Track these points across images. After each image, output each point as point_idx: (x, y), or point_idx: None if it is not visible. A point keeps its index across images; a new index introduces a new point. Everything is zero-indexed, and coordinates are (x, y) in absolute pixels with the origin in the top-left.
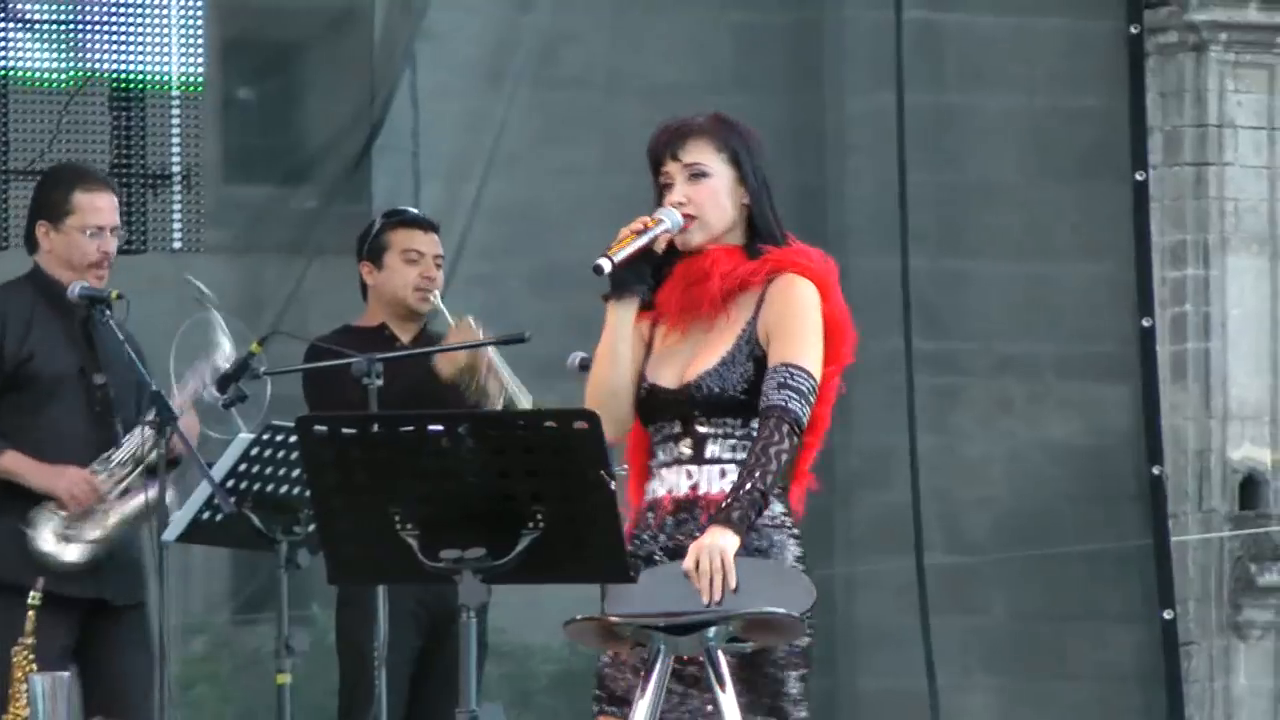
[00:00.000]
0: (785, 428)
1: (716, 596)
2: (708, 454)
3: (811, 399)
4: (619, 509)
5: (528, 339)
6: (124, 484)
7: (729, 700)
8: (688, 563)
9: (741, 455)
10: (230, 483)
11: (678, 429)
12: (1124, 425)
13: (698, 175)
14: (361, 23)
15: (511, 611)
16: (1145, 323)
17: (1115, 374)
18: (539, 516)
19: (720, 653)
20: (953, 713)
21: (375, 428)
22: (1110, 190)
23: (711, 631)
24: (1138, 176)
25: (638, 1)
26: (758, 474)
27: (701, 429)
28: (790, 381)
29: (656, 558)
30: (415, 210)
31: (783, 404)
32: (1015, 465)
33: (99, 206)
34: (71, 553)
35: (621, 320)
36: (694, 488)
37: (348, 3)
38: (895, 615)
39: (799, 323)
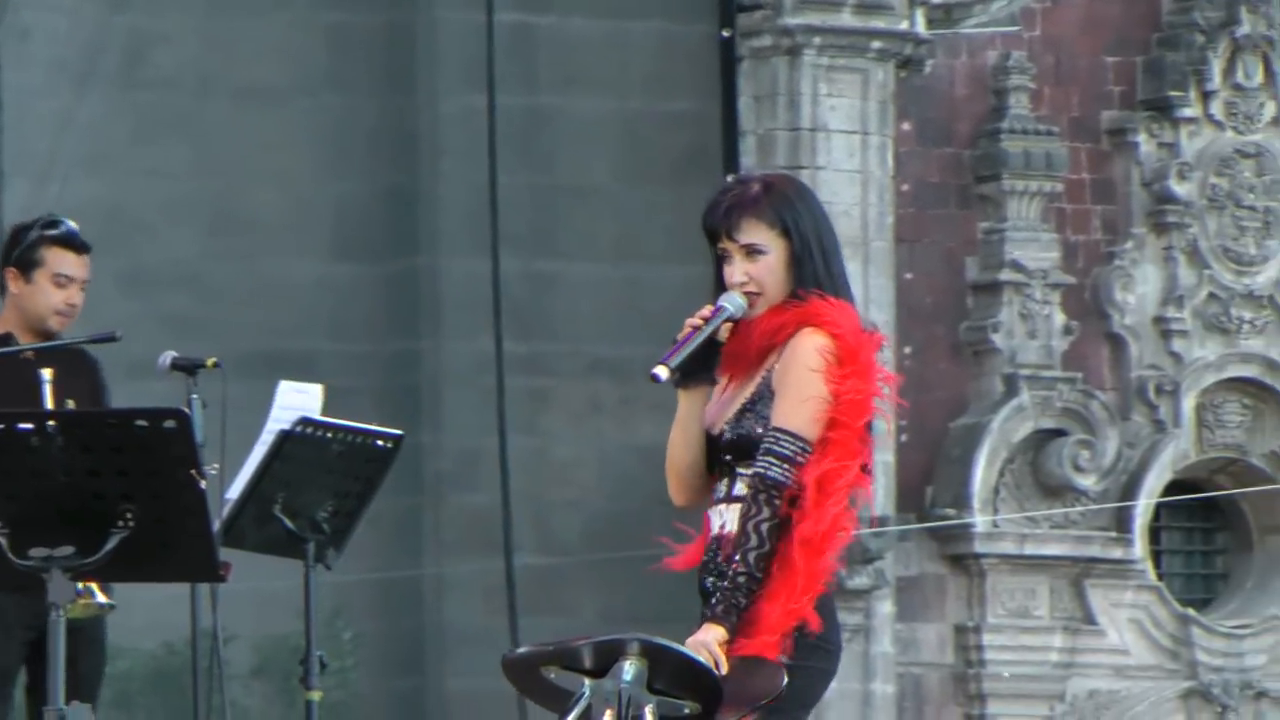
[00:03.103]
0: (762, 496)
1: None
2: (734, 493)
3: (798, 459)
4: (209, 509)
5: (118, 338)
6: None
7: None
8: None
9: (746, 493)
10: None
11: (720, 471)
12: None
13: (754, 253)
14: None
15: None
16: None
17: None
18: (129, 515)
19: (649, 712)
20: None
21: None
22: (704, 193)
23: (626, 671)
24: (729, 178)
25: (230, 3)
26: (737, 556)
27: (737, 469)
28: (774, 447)
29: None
30: (73, 227)
31: (762, 471)
32: (606, 467)
33: None
34: None
35: (691, 407)
36: (722, 526)
37: None
38: (484, 616)
39: (794, 381)
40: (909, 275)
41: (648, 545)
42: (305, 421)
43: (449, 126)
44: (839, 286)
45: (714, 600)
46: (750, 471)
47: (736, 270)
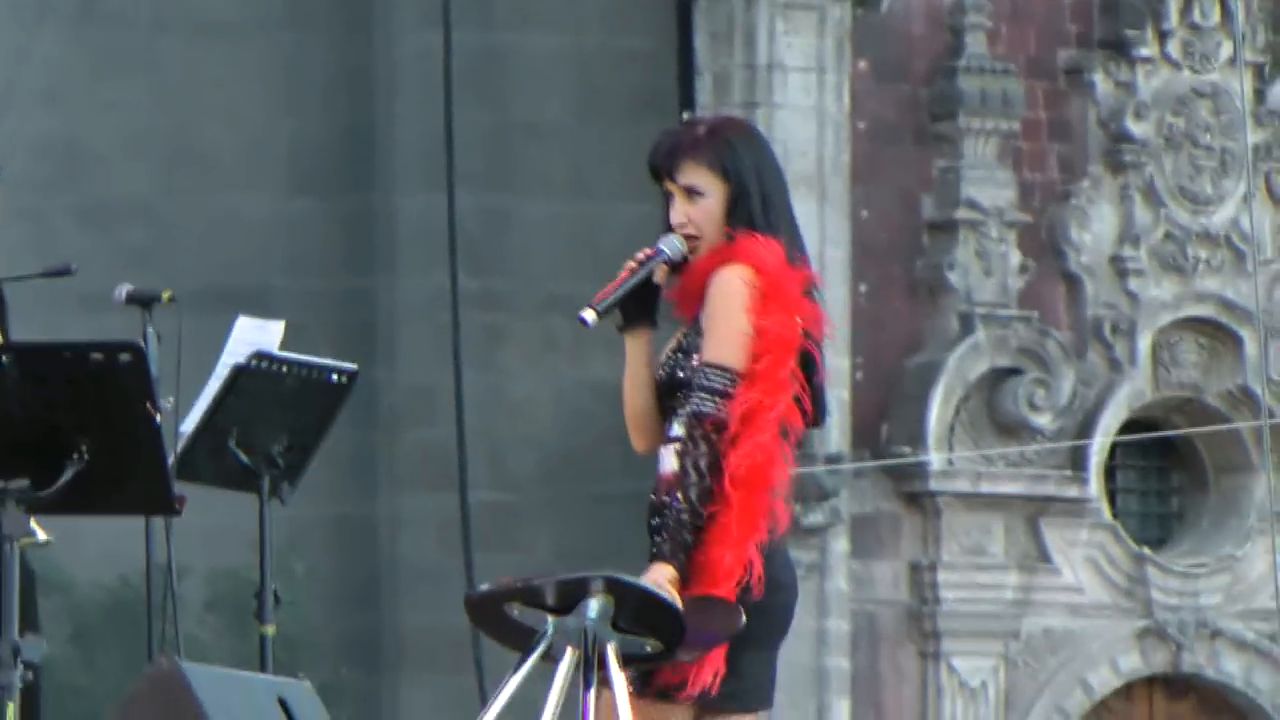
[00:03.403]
0: (698, 432)
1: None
2: (668, 434)
3: (728, 391)
4: (163, 442)
5: (74, 272)
6: None
7: (620, 697)
8: None
9: (679, 433)
10: None
11: (664, 413)
12: None
13: (694, 194)
14: None
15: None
16: None
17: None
18: (83, 448)
19: (611, 650)
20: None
21: None
22: (658, 131)
23: (591, 608)
24: (684, 116)
25: None
26: (679, 495)
27: (675, 409)
28: (704, 381)
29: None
30: None
31: (695, 408)
32: (561, 404)
33: None
34: None
35: (634, 350)
36: (659, 467)
37: None
38: (439, 552)
39: (719, 316)
40: (865, 213)
41: (602, 482)
42: (259, 355)
43: (405, 64)
44: (775, 227)
45: (660, 539)
46: (683, 411)
47: (676, 212)
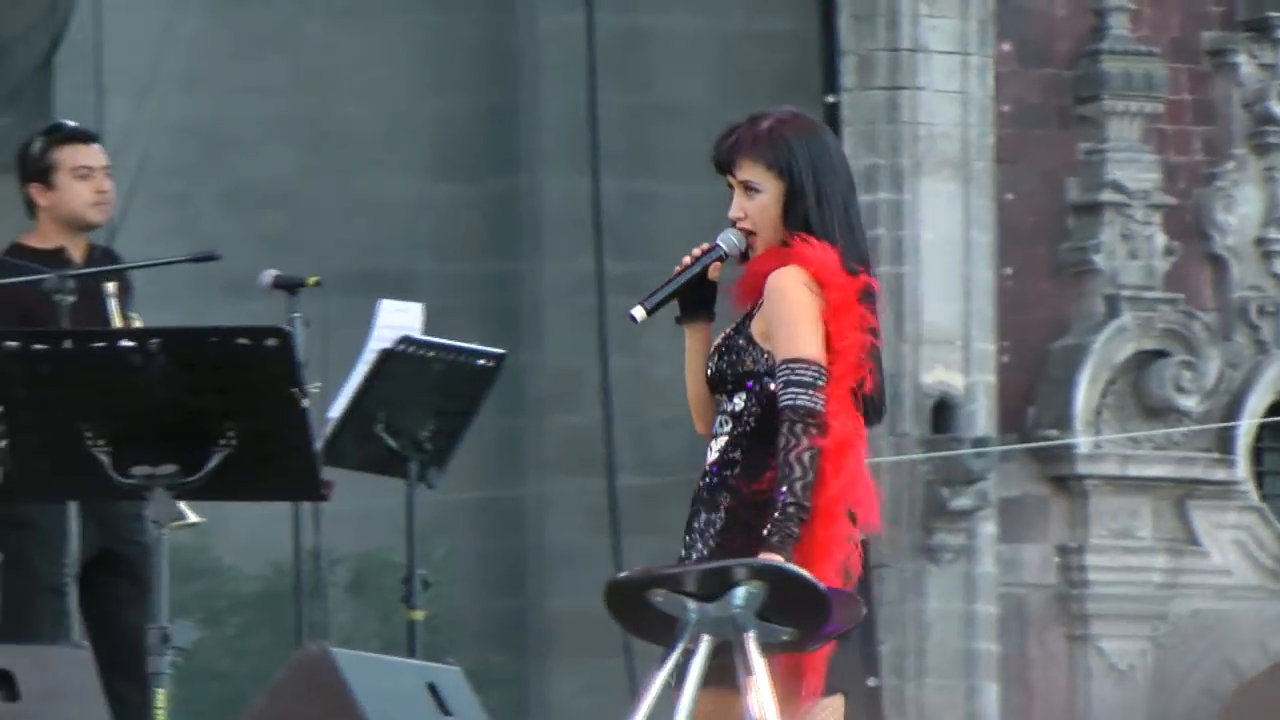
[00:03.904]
0: (799, 427)
1: None
2: (713, 428)
3: (820, 383)
4: (310, 427)
5: (219, 257)
6: None
7: (760, 686)
8: None
9: (725, 429)
10: None
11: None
12: None
13: (751, 190)
14: None
15: (202, 531)
16: None
17: None
18: (230, 433)
19: (751, 639)
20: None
21: (66, 344)
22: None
23: (739, 596)
24: (828, 99)
25: None
26: (784, 488)
27: (718, 404)
28: (793, 377)
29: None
30: (74, 124)
31: (791, 402)
32: None
33: None
34: None
35: (692, 343)
36: (708, 458)
37: None
38: (586, 536)
39: (787, 313)
40: (1010, 196)
41: None
42: (407, 340)
43: (548, 45)
44: (829, 229)
45: (767, 531)
46: (780, 407)
47: (735, 206)
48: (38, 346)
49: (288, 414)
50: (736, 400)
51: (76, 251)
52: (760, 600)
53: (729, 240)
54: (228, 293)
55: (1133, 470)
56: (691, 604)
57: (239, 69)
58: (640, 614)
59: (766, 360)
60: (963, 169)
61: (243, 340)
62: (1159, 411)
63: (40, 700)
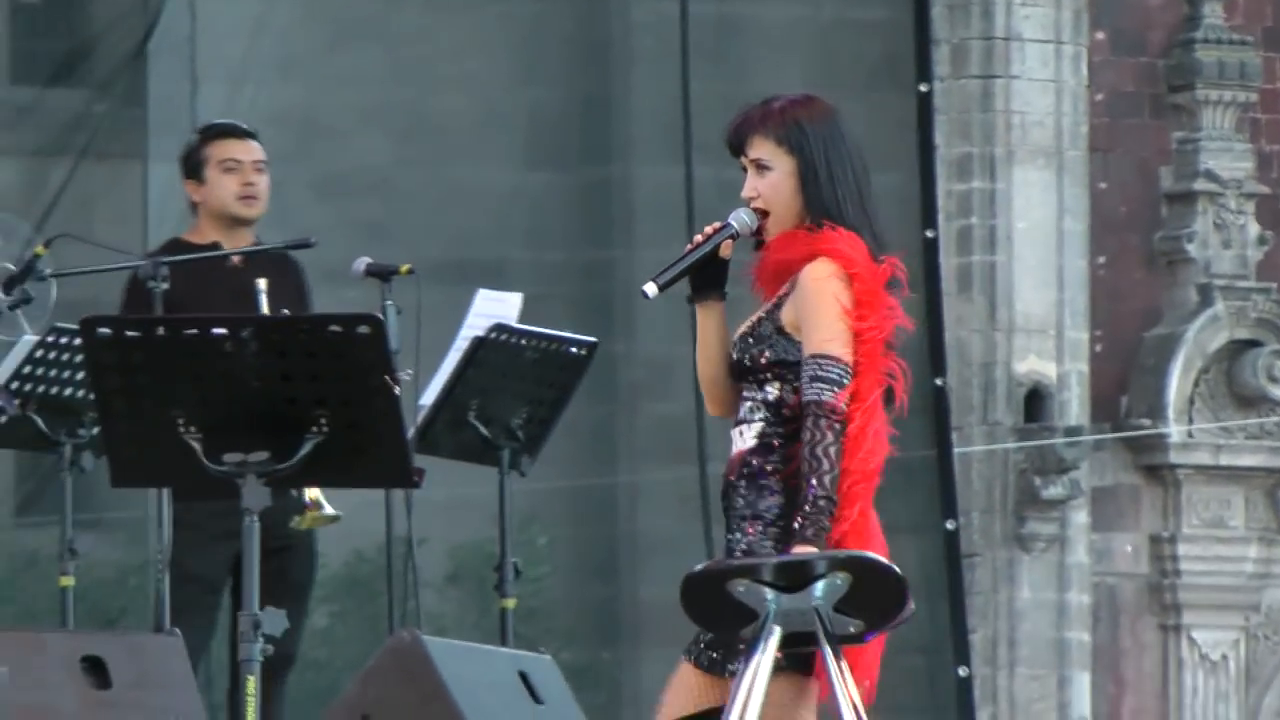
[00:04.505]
0: (823, 421)
1: None
2: (739, 414)
3: (845, 381)
4: (402, 415)
5: (313, 244)
6: None
7: (841, 673)
8: None
9: (758, 416)
10: (15, 385)
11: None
12: (907, 337)
13: (762, 168)
14: None
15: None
16: (929, 234)
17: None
18: (322, 420)
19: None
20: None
21: (159, 330)
22: (895, 102)
23: (819, 589)
24: (921, 88)
25: None
26: (814, 480)
27: (743, 392)
28: (820, 372)
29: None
30: (229, 120)
31: (816, 397)
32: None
33: None
34: None
35: (704, 321)
36: (730, 447)
37: None
38: (678, 524)
39: (820, 309)
40: (1103, 185)
41: None
42: (500, 328)
43: (641, 33)
44: (847, 214)
45: (799, 524)
46: (804, 400)
47: (747, 185)
48: (131, 334)
49: (380, 401)
50: (769, 390)
51: (234, 247)
52: (841, 592)
53: (741, 219)
54: (321, 280)
55: (1225, 460)
56: (771, 594)
57: (332, 58)
58: (716, 605)
59: (797, 350)
60: (1056, 158)
61: (335, 327)
62: (1251, 401)
63: (131, 687)
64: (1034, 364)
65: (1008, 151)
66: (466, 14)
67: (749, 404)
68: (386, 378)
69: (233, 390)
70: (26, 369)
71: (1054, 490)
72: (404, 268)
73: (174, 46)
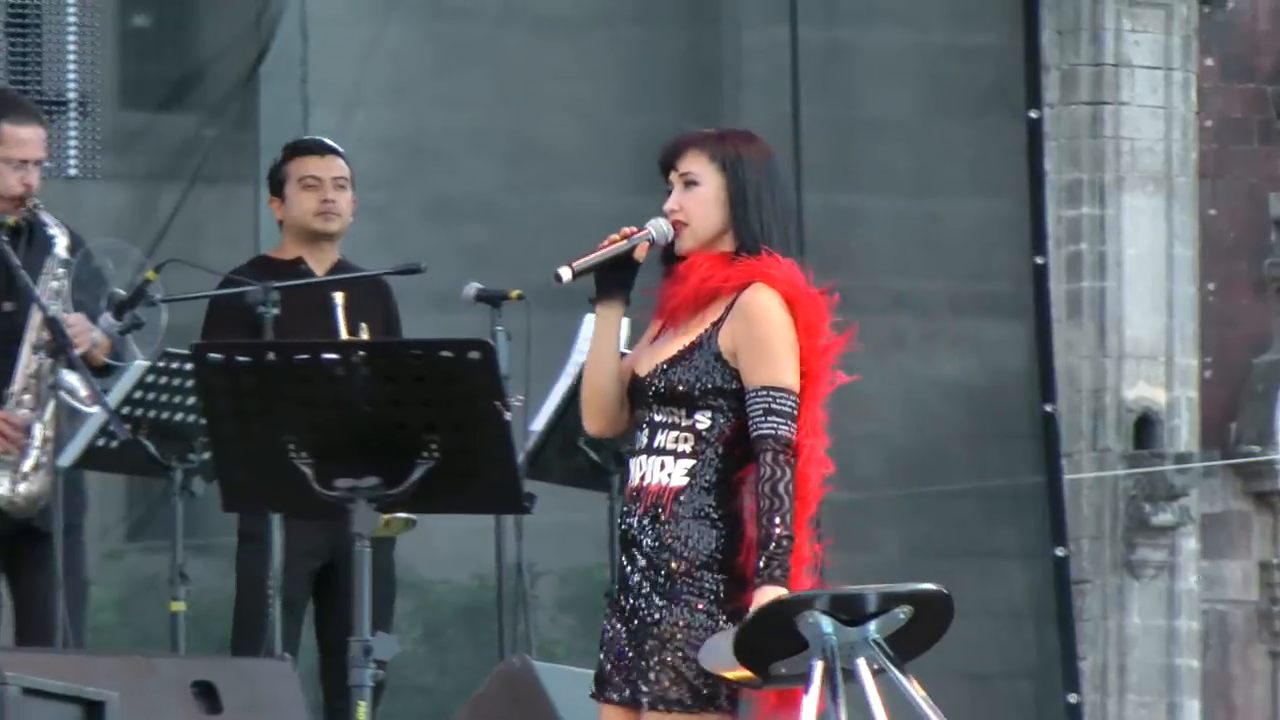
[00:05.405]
0: (782, 458)
1: None
2: (655, 444)
3: (795, 416)
4: (513, 440)
5: (423, 270)
6: (36, 405)
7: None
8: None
9: (684, 448)
10: (126, 409)
11: (644, 418)
12: (1017, 363)
13: (690, 184)
14: None
15: (405, 544)
16: (1038, 261)
17: (1008, 312)
18: (433, 446)
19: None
20: None
21: (270, 356)
22: (1004, 127)
23: (879, 623)
24: (1031, 114)
25: None
26: (777, 519)
27: (656, 418)
28: (775, 405)
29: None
30: (314, 137)
31: (772, 432)
32: (908, 402)
33: (25, 139)
34: (29, 489)
35: (603, 323)
36: (642, 478)
37: None
38: None
39: (769, 339)
40: (1212, 211)
41: (950, 480)
42: None
43: (751, 58)
44: (775, 241)
45: (764, 563)
46: (759, 433)
47: (671, 199)
48: (241, 358)
49: (490, 427)
50: (699, 418)
51: (318, 264)
52: (900, 625)
53: (659, 227)
54: (431, 305)
55: None
56: (829, 625)
57: (441, 82)
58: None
59: (733, 378)
60: (1165, 184)
61: (445, 353)
62: None
63: (242, 712)
64: (1144, 390)
65: (1117, 178)
66: (575, 38)
67: (672, 433)
68: (497, 403)
69: (343, 415)
70: (137, 394)
71: (1164, 517)
72: (514, 293)
73: (286, 70)
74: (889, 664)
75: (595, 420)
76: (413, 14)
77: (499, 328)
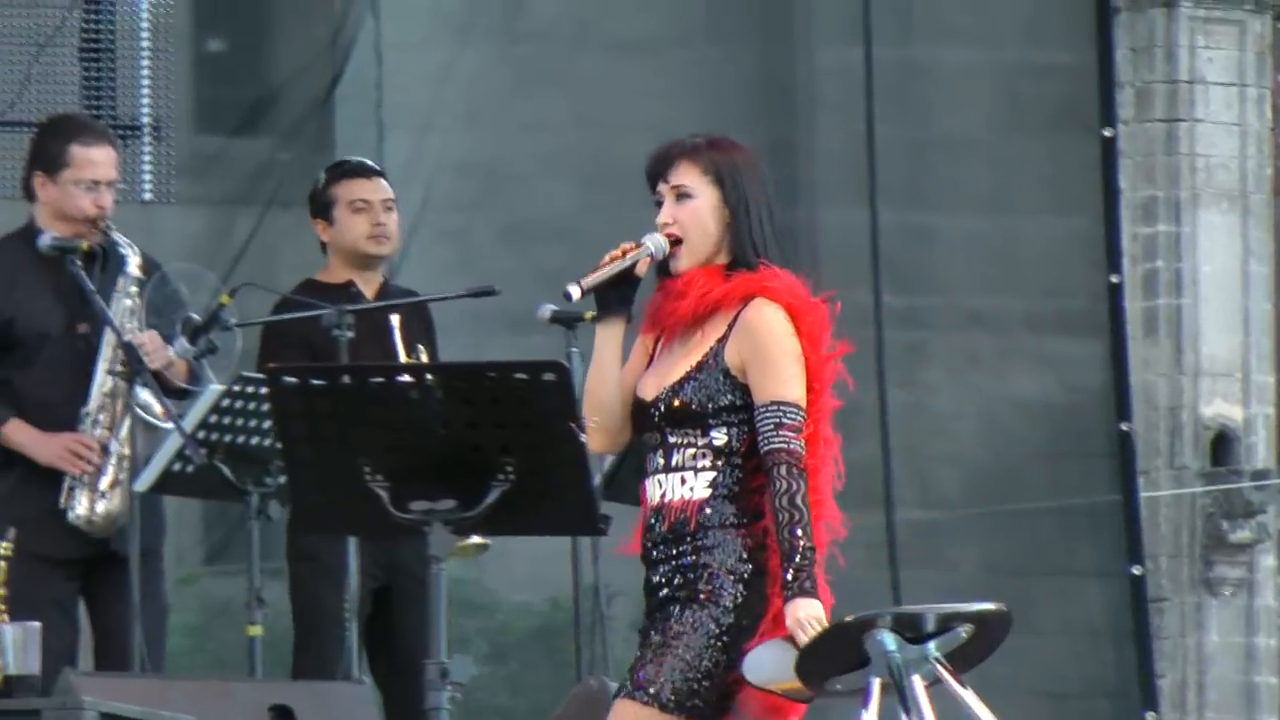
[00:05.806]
0: (795, 470)
1: None
2: (673, 462)
3: (802, 427)
4: (588, 462)
5: (498, 293)
6: (111, 424)
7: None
8: (798, 638)
9: (703, 463)
10: (201, 434)
11: (655, 440)
12: (1093, 381)
13: (683, 197)
14: None
15: (482, 565)
16: (1114, 279)
17: (1084, 330)
18: (508, 468)
19: (918, 681)
20: None
21: (345, 379)
22: (1079, 145)
23: (941, 642)
24: (1105, 132)
25: None
26: (798, 531)
27: (671, 438)
28: (785, 420)
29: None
30: (357, 159)
31: (785, 446)
32: (985, 420)
33: (96, 160)
34: (108, 507)
35: (605, 340)
36: (662, 496)
37: None
38: (865, 570)
39: (776, 354)
40: None
41: (1026, 498)
42: None
43: (826, 78)
44: (772, 253)
45: (793, 576)
46: (771, 447)
47: (663, 212)
48: (316, 382)
49: (565, 448)
50: (715, 435)
51: (367, 287)
52: (960, 643)
53: (656, 242)
54: (506, 327)
55: None
56: (893, 642)
57: (517, 104)
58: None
59: (743, 393)
60: (1241, 201)
61: (520, 375)
62: None
63: None
64: (1220, 407)
65: (1192, 195)
66: (650, 60)
67: (689, 450)
68: (572, 425)
69: (418, 438)
70: (212, 418)
71: (1242, 534)
72: (589, 314)
73: (360, 94)
74: (949, 678)
75: (597, 437)
76: (487, 37)
77: (574, 349)
